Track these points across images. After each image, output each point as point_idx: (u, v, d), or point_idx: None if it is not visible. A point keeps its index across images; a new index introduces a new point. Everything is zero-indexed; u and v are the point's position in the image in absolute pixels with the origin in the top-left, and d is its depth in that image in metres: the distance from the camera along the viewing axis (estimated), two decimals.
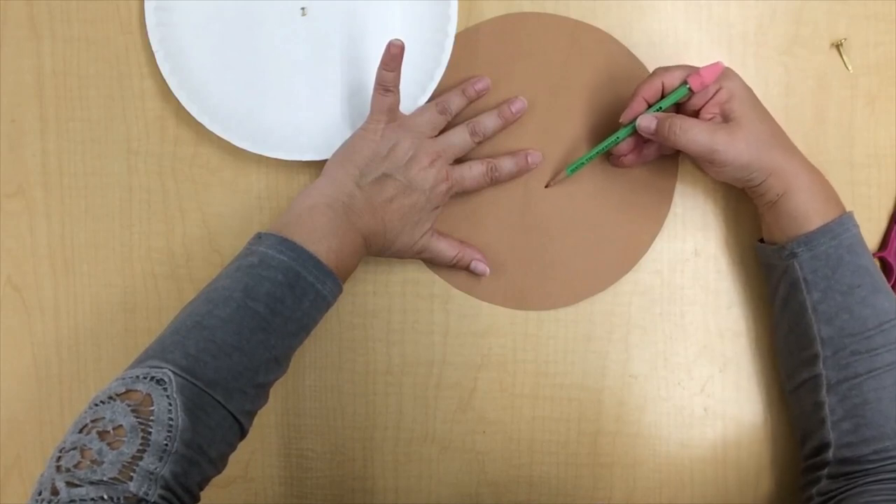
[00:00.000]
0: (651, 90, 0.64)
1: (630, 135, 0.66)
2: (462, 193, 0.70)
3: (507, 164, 0.69)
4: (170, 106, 0.72)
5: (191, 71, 0.71)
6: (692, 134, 0.61)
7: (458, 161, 0.69)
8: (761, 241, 0.67)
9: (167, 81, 0.70)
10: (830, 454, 0.61)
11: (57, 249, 0.74)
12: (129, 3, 0.73)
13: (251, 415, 0.59)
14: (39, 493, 0.49)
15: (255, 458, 0.74)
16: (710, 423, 0.72)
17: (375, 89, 0.65)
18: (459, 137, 0.68)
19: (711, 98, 0.63)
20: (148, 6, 0.70)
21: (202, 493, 0.55)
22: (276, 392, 0.65)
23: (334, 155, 0.67)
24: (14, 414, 0.75)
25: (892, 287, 0.67)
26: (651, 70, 0.70)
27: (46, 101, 0.73)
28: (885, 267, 0.70)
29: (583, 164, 0.68)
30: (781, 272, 0.64)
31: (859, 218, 0.70)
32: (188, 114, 0.70)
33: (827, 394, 0.61)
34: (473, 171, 0.68)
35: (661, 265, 0.72)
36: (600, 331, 0.72)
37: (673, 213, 0.72)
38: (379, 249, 0.66)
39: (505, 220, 0.72)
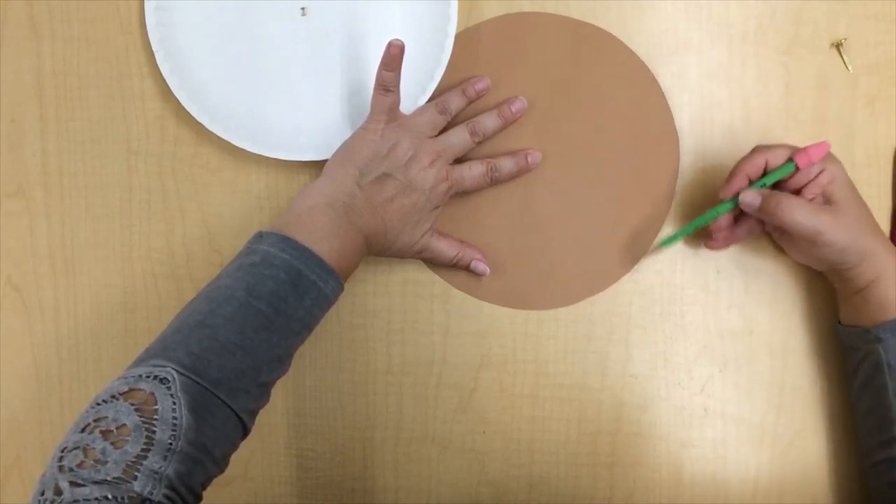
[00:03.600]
0: (754, 167, 0.64)
1: (730, 210, 0.65)
2: (462, 193, 0.70)
3: (507, 164, 0.69)
4: (170, 106, 0.72)
5: (191, 71, 0.71)
6: (798, 213, 0.61)
7: (458, 161, 0.69)
8: (839, 322, 0.68)
9: (167, 81, 0.70)
10: None
11: (57, 249, 0.74)
12: (129, 3, 0.73)
13: (254, 414, 0.58)
14: (42, 493, 0.49)
15: (255, 457, 0.74)
16: (710, 423, 0.72)
17: (375, 89, 0.65)
18: (459, 137, 0.68)
19: (814, 179, 0.63)
20: (148, 6, 0.70)
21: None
22: (277, 392, 0.65)
23: (334, 155, 0.67)
24: (14, 414, 0.75)
25: None
26: (648, 66, 0.71)
27: (46, 101, 0.73)
28: None
29: (678, 238, 0.68)
30: (865, 354, 0.64)
31: None
32: (188, 114, 0.70)
33: None
34: (473, 171, 0.68)
35: (661, 265, 0.72)
36: (600, 331, 0.72)
37: (672, 213, 0.72)
38: (379, 249, 0.66)
39: (505, 220, 0.72)
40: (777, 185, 0.64)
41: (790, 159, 0.62)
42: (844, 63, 0.71)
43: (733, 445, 0.72)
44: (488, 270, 0.71)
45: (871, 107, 0.71)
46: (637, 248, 0.72)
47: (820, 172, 0.63)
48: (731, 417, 0.72)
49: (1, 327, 0.75)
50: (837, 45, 0.71)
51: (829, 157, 0.63)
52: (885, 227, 0.71)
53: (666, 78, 0.71)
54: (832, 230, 0.61)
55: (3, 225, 0.74)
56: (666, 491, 0.72)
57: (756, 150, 0.64)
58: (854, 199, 0.63)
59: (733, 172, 0.65)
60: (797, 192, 0.64)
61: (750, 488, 0.72)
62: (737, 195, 0.64)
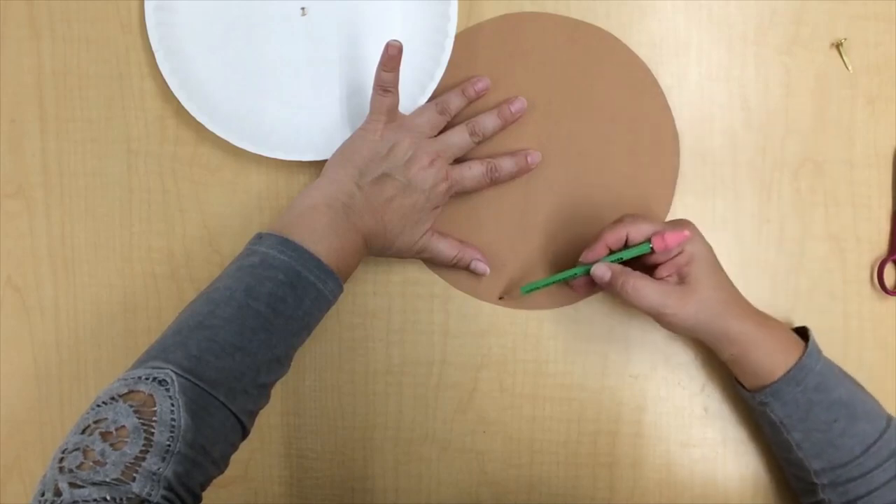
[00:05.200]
0: (615, 238, 0.64)
1: (586, 273, 0.66)
2: (462, 193, 0.70)
3: (506, 164, 0.69)
4: (170, 106, 0.72)
5: (191, 71, 0.71)
6: (643, 294, 0.62)
7: (458, 161, 0.69)
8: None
9: (167, 81, 0.69)
10: None
11: (57, 249, 0.74)
12: (129, 3, 0.73)
13: (253, 415, 0.59)
14: (42, 494, 0.49)
15: (255, 458, 0.74)
16: (710, 423, 0.72)
17: (374, 90, 0.65)
18: (459, 137, 0.68)
19: (671, 259, 0.63)
20: (148, 6, 0.70)
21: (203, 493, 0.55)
22: (277, 392, 0.65)
23: (334, 155, 0.67)
24: (14, 414, 0.75)
25: None
26: (648, 66, 0.71)
27: (46, 101, 0.73)
28: None
29: (538, 287, 0.69)
30: (759, 413, 0.65)
31: (859, 218, 0.71)
32: (188, 114, 0.70)
33: None
34: (473, 171, 0.68)
35: None
36: (600, 331, 0.72)
37: (672, 213, 0.72)
38: (379, 249, 0.66)
39: (505, 220, 0.72)
40: (637, 256, 0.64)
41: (648, 239, 0.63)
42: (844, 63, 0.71)
43: (733, 445, 0.72)
44: (488, 270, 0.71)
45: (871, 107, 0.71)
46: None
47: (679, 253, 0.63)
48: (731, 417, 0.72)
49: (1, 327, 0.75)
50: (837, 45, 0.71)
51: (693, 238, 0.63)
52: (885, 227, 0.71)
53: (666, 78, 0.71)
54: (678, 312, 0.62)
55: (3, 225, 0.74)
56: (666, 491, 0.72)
57: (622, 220, 0.65)
58: (711, 281, 0.63)
59: (597, 238, 0.65)
60: (655, 266, 0.64)
61: (750, 488, 0.72)
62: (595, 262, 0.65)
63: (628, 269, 0.63)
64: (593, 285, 0.68)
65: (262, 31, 0.71)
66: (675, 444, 0.72)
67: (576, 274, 0.66)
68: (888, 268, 0.71)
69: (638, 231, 0.63)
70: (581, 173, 0.71)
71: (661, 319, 0.63)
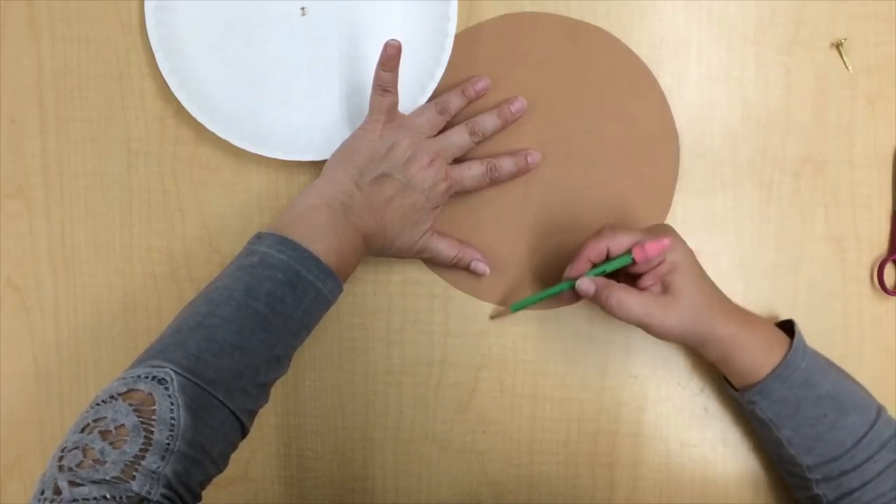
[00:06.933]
0: (596, 252, 0.64)
1: (572, 288, 0.65)
2: (462, 193, 0.70)
3: (506, 164, 0.69)
4: (170, 106, 0.73)
5: (191, 71, 0.71)
6: (627, 306, 0.62)
7: (458, 161, 0.69)
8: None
9: (167, 81, 0.70)
10: None
11: (57, 249, 0.74)
12: (129, 3, 0.73)
13: (252, 414, 0.59)
14: (42, 493, 0.49)
15: (255, 458, 0.74)
16: (710, 424, 0.72)
17: (373, 90, 0.65)
18: (459, 137, 0.68)
19: (653, 269, 0.63)
20: (148, 6, 0.70)
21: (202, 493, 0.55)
22: (276, 392, 0.65)
23: (333, 155, 0.67)
24: (14, 414, 0.75)
25: None
26: (648, 66, 0.71)
27: (46, 101, 0.73)
28: None
29: (525, 305, 0.70)
30: (749, 412, 0.66)
31: (859, 218, 0.71)
32: (188, 114, 0.70)
33: None
34: (473, 171, 0.68)
35: None
36: (600, 331, 0.72)
37: (672, 213, 0.72)
38: (379, 249, 0.66)
39: (505, 220, 0.72)
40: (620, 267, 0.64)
41: (629, 250, 0.62)
42: (844, 63, 0.71)
43: (733, 445, 0.72)
44: (488, 270, 0.71)
45: (871, 107, 0.71)
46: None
47: (660, 262, 0.63)
48: (731, 418, 0.72)
49: (1, 327, 0.75)
50: (837, 45, 0.71)
51: (673, 246, 0.63)
52: (885, 227, 0.71)
53: (666, 78, 0.71)
54: (663, 321, 0.62)
55: (3, 225, 0.74)
56: (666, 491, 0.72)
57: (601, 232, 0.64)
58: (693, 288, 0.63)
59: (578, 254, 0.65)
60: (638, 276, 0.64)
61: (749, 488, 0.72)
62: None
63: (612, 282, 0.63)
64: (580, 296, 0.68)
65: (262, 31, 0.71)
66: (674, 444, 0.72)
67: (562, 289, 0.66)
68: (888, 268, 0.71)
69: (618, 243, 0.63)
70: (581, 173, 0.71)
71: (647, 329, 0.63)
